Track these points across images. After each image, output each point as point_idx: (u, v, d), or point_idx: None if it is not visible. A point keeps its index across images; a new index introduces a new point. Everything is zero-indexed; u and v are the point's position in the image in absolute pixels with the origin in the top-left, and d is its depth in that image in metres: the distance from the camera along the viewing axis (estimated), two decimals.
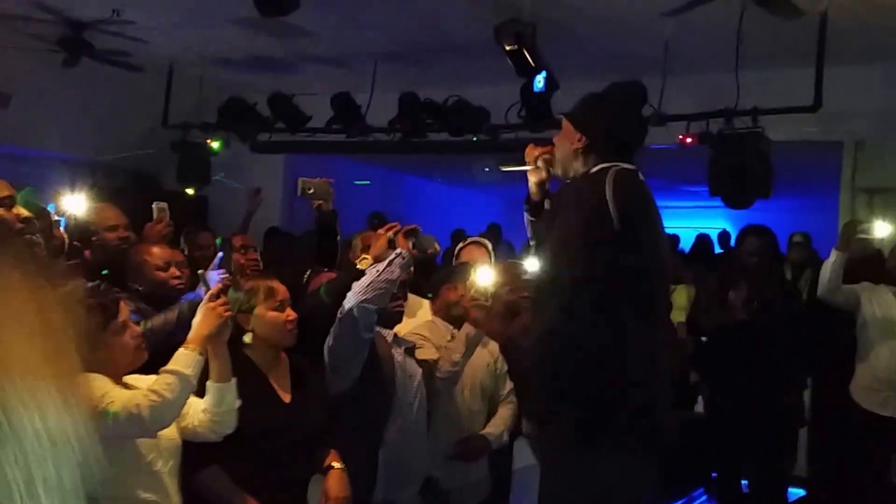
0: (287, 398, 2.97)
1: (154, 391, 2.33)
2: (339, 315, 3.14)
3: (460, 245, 4.43)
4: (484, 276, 3.80)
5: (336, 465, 2.97)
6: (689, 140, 5.92)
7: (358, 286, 3.13)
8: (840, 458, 5.26)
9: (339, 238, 4.21)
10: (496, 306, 4.06)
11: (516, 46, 5.90)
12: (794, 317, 4.97)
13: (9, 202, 2.88)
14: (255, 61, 7.59)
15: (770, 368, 4.82)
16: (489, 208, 12.11)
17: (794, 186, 6.60)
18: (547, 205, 3.01)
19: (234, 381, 2.60)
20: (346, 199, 4.34)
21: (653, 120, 5.95)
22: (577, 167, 2.82)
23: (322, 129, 7.33)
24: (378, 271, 3.14)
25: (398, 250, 3.21)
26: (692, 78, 6.34)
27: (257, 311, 2.95)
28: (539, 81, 6.09)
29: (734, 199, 5.69)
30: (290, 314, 2.98)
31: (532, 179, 3.02)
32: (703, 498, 5.97)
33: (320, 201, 4.07)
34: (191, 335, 2.49)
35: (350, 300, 3.12)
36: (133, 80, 7.50)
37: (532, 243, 3.15)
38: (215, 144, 7.89)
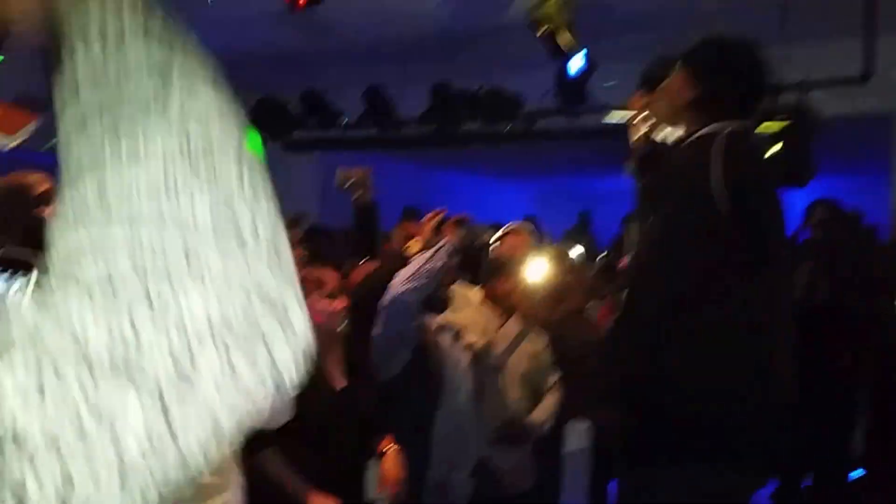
0: (341, 384, 2.97)
1: None
2: (384, 303, 3.15)
3: (500, 231, 4.33)
4: (537, 269, 3.78)
5: (392, 448, 3.02)
6: None
7: (403, 274, 3.15)
8: None
9: (378, 229, 4.16)
10: (540, 291, 4.02)
11: (550, 29, 5.79)
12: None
13: (49, 198, 2.80)
14: (285, 59, 7.54)
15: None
16: (522, 201, 11.99)
17: (845, 161, 6.39)
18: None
19: None
20: (380, 195, 4.27)
21: None
22: (684, 125, 2.36)
23: (354, 124, 7.26)
24: (424, 259, 3.15)
25: (447, 239, 3.22)
26: None
27: (308, 300, 2.88)
28: (576, 63, 5.98)
29: (784, 179, 5.50)
30: (340, 302, 2.98)
31: (634, 134, 2.62)
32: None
33: (360, 192, 4.02)
34: None
35: (395, 289, 3.13)
36: None
37: (635, 216, 2.70)
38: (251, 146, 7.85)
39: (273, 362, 0.55)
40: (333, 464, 2.82)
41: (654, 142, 2.53)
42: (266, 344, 0.55)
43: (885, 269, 4.91)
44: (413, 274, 3.12)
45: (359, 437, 2.95)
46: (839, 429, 4.86)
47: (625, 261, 4.71)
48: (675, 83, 2.36)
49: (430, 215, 3.42)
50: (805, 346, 4.62)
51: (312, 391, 2.78)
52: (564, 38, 5.83)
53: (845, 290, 4.66)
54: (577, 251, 4.45)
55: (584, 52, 5.79)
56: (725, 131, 2.20)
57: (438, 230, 3.35)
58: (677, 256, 2.21)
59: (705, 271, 2.18)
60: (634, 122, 2.58)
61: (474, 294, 3.83)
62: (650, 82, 2.57)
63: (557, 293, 4.31)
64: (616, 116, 2.83)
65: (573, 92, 6.33)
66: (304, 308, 0.59)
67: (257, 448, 2.67)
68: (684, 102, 2.32)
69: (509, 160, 10.47)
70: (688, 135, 2.31)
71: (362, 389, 3.00)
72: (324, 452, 2.81)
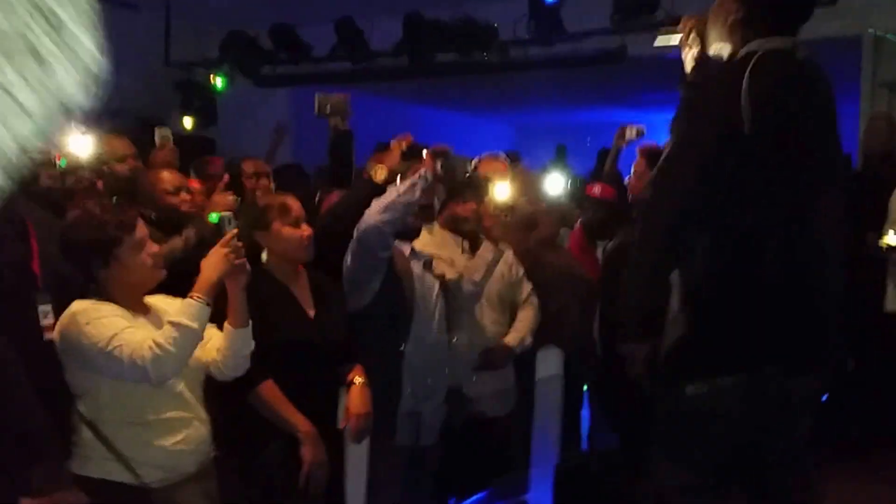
0: (311, 313, 2.96)
1: (158, 344, 2.24)
2: (356, 233, 3.09)
3: (477, 158, 4.32)
4: (502, 190, 3.73)
5: (358, 379, 2.96)
6: None
7: (377, 205, 3.07)
8: None
9: (352, 159, 4.14)
10: (513, 217, 4.01)
11: None
12: None
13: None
14: None
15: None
16: (502, 136, 11.95)
17: None
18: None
19: (249, 327, 2.53)
20: (355, 130, 4.21)
21: (665, 24, 5.76)
22: (730, 46, 2.35)
23: (326, 58, 7.18)
24: (399, 192, 3.06)
25: (422, 171, 3.11)
26: None
27: (273, 227, 2.92)
28: None
29: None
30: (306, 229, 2.95)
31: (687, 55, 2.56)
32: None
33: (336, 119, 3.99)
34: (199, 282, 2.36)
35: (368, 219, 3.06)
36: (129, 18, 7.33)
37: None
38: (219, 82, 7.75)
39: (47, 79, 0.52)
40: (308, 393, 2.83)
41: (703, 62, 2.51)
42: (37, 59, 0.52)
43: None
44: (388, 204, 3.04)
45: (331, 366, 2.94)
46: None
47: (594, 187, 4.75)
48: (723, 4, 2.36)
49: (395, 141, 3.33)
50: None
51: (286, 317, 2.81)
52: None
53: None
54: (553, 181, 4.44)
55: None
56: (762, 49, 2.21)
57: (406, 157, 3.27)
58: (696, 167, 2.23)
59: (726, 185, 2.21)
60: (686, 42, 2.54)
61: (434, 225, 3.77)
62: None
63: (530, 220, 4.33)
64: (665, 40, 2.74)
65: (547, 20, 6.26)
66: (94, 37, 0.56)
67: (254, 379, 2.69)
68: (732, 22, 2.32)
69: (487, 94, 10.38)
70: (733, 53, 2.32)
71: (331, 317, 2.98)
72: (299, 381, 2.81)
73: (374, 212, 3.06)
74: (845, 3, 5.23)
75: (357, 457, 3.09)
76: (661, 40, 2.77)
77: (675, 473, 2.43)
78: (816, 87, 2.34)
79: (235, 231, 2.47)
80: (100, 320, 2.28)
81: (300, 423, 2.77)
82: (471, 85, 8.89)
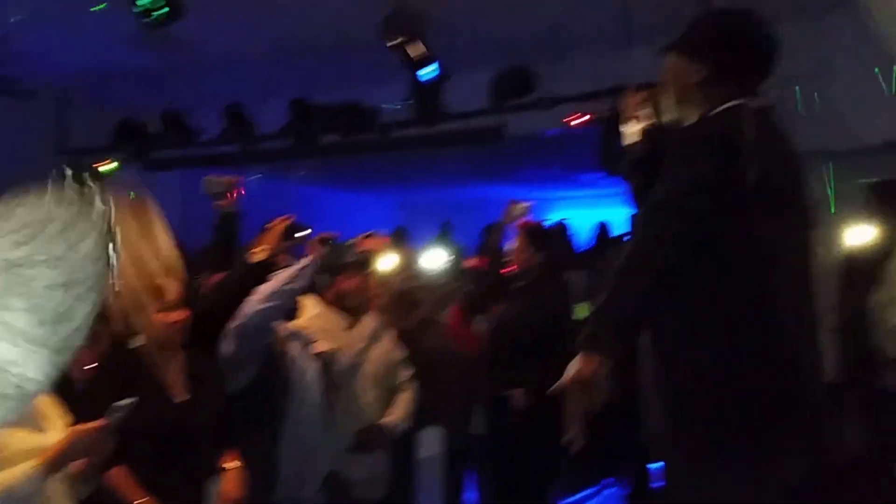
0: (181, 397, 2.89)
1: None
2: (239, 319, 3.06)
3: (359, 237, 4.38)
4: (386, 263, 3.80)
5: (231, 465, 2.91)
6: (578, 120, 6.05)
7: (262, 292, 3.05)
8: None
9: (237, 241, 4.13)
10: (394, 296, 4.07)
11: (403, 41, 5.93)
12: None
13: None
14: (144, 78, 7.44)
15: None
16: (391, 213, 12.10)
17: None
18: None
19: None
20: (243, 212, 4.22)
21: (541, 105, 6.07)
22: (695, 109, 2.21)
23: (214, 141, 7.24)
24: (286, 279, 3.06)
25: (310, 257, 3.13)
26: (581, 59, 6.47)
27: (146, 312, 2.86)
28: (428, 72, 6.13)
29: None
30: (181, 314, 2.89)
31: (627, 129, 2.40)
32: (612, 489, 6.03)
33: (225, 201, 4.00)
34: (45, 455, 2.21)
35: (252, 306, 3.03)
36: (22, 108, 7.33)
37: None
38: (108, 167, 7.73)
39: None
40: (177, 480, 2.76)
41: (655, 131, 2.38)
42: None
43: None
44: (274, 292, 3.03)
45: (201, 451, 2.87)
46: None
47: (471, 260, 4.89)
48: (678, 69, 2.25)
49: (275, 221, 3.32)
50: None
51: (149, 404, 2.70)
52: (417, 50, 6.00)
53: None
54: (433, 257, 4.54)
55: (435, 63, 5.96)
56: (753, 105, 2.12)
57: (287, 237, 3.27)
58: (682, 225, 2.09)
59: (713, 257, 2.08)
60: (631, 120, 2.41)
61: (317, 300, 3.79)
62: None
63: (411, 299, 4.39)
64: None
65: (428, 102, 6.48)
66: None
67: (106, 465, 2.56)
68: (694, 83, 2.21)
69: (374, 174, 10.58)
70: (705, 113, 2.20)
71: (204, 402, 2.92)
72: (166, 467, 2.75)
73: (259, 299, 3.03)
74: None
75: None
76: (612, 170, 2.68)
77: None
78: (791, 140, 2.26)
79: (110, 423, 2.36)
80: None
81: None
82: (358, 165, 9.06)
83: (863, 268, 4.26)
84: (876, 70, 5.14)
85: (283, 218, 3.35)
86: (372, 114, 6.70)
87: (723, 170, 2.04)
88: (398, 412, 3.79)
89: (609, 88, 5.83)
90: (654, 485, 5.47)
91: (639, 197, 2.35)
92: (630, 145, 2.40)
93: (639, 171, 2.37)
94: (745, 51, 2.21)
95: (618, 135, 2.45)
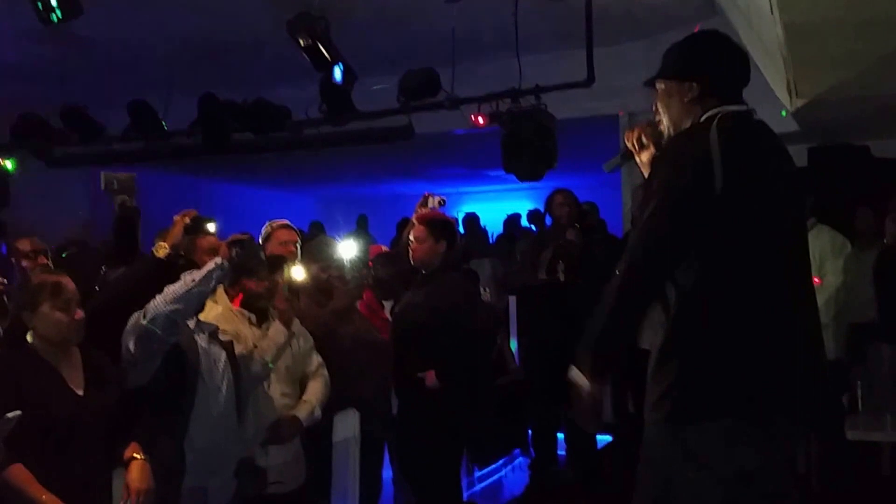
0: (80, 391, 2.90)
1: None
2: (142, 320, 3.04)
3: (268, 229, 4.38)
4: (299, 273, 3.81)
5: (137, 456, 2.91)
6: (481, 120, 6.24)
7: (169, 293, 3.04)
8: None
9: (138, 237, 4.17)
10: (308, 287, 4.13)
11: (311, 41, 6.02)
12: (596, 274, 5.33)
13: None
14: (45, 74, 7.32)
15: (576, 323, 5.16)
16: (308, 208, 12.16)
17: (580, 161, 7.07)
18: None
19: None
20: (154, 210, 4.19)
21: (446, 105, 6.24)
22: (691, 121, 2.46)
23: (119, 138, 7.17)
24: (194, 281, 3.05)
25: (217, 260, 3.11)
26: (480, 62, 6.68)
27: (42, 309, 2.86)
28: (337, 73, 6.23)
29: (526, 172, 6.06)
30: (77, 313, 2.90)
31: (643, 159, 2.65)
32: (520, 459, 6.31)
33: (124, 197, 4.00)
34: None
35: (158, 308, 3.02)
36: None
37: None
38: (8, 164, 7.56)
39: None
40: (78, 473, 2.77)
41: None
42: None
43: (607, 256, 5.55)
44: (182, 295, 3.02)
45: (102, 445, 2.88)
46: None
47: (379, 248, 5.00)
48: (671, 92, 2.48)
49: (177, 216, 3.33)
50: (549, 316, 5.15)
51: (48, 397, 2.76)
52: (324, 51, 6.10)
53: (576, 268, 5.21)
54: (347, 246, 4.57)
55: (341, 63, 6.07)
56: (721, 114, 2.35)
57: (189, 231, 3.30)
58: (665, 220, 2.29)
59: (696, 240, 2.28)
60: (636, 148, 2.66)
61: (223, 295, 3.74)
62: None
63: (324, 289, 4.45)
64: (613, 164, 2.86)
65: (338, 101, 6.57)
66: None
67: (2, 464, 2.60)
68: (689, 101, 2.44)
69: (290, 170, 10.62)
70: (692, 125, 2.44)
71: (101, 396, 2.93)
72: (67, 462, 2.75)
73: (166, 300, 3.02)
74: (603, 85, 5.88)
75: None
76: (609, 166, 2.94)
77: None
78: (775, 140, 2.47)
79: None
80: None
81: (45, 501, 2.66)
82: (275, 161, 9.09)
83: None
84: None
85: (185, 212, 3.35)
86: (282, 112, 6.75)
87: (699, 176, 2.26)
88: (309, 402, 3.82)
89: (507, 90, 6.09)
90: (560, 452, 5.77)
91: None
92: (626, 154, 2.72)
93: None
94: (731, 64, 2.49)
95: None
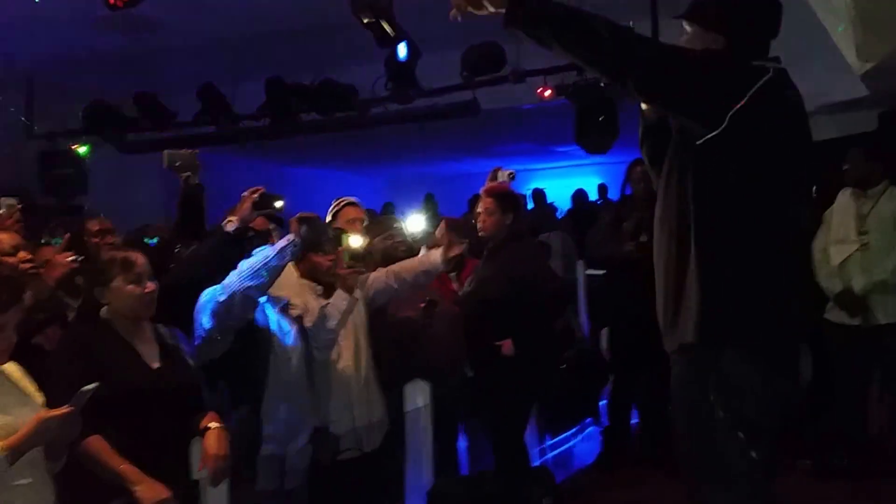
0: (154, 364, 2.96)
1: None
2: (219, 296, 3.11)
3: (336, 206, 4.43)
4: (356, 241, 3.86)
5: (214, 424, 2.97)
6: (547, 94, 6.16)
7: (244, 268, 3.11)
8: None
9: (204, 214, 4.21)
10: (374, 257, 4.17)
11: (374, 18, 6.00)
12: None
13: None
14: (117, 61, 7.49)
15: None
16: (377, 190, 12.22)
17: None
18: None
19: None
20: (227, 194, 4.24)
21: (511, 79, 6.17)
22: None
23: (191, 123, 7.30)
24: (268, 257, 3.12)
25: (290, 237, 3.18)
26: None
27: (114, 284, 2.93)
28: (401, 50, 6.21)
29: (593, 145, 5.96)
30: (149, 286, 2.95)
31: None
32: (591, 428, 6.27)
33: (187, 173, 4.06)
34: (11, 439, 2.36)
35: (234, 283, 3.09)
36: None
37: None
38: (82, 149, 7.78)
39: None
40: (154, 443, 2.81)
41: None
42: None
43: None
44: (256, 271, 3.08)
45: (178, 416, 2.92)
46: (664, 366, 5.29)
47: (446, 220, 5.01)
48: (698, 39, 2.39)
49: (246, 193, 3.39)
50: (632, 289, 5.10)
51: (125, 369, 2.82)
52: (388, 28, 6.07)
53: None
54: (414, 221, 4.58)
55: (405, 41, 6.05)
56: (769, 65, 2.28)
57: (258, 207, 3.36)
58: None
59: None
60: None
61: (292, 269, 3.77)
62: None
63: (386, 255, 4.48)
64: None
65: (403, 78, 6.57)
66: None
67: (82, 434, 2.63)
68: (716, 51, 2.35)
69: (359, 152, 10.66)
70: None
71: (177, 369, 2.99)
72: (144, 433, 2.80)
73: (241, 277, 3.09)
74: None
75: None
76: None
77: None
78: (798, 100, 2.39)
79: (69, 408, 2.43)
80: None
81: (124, 470, 2.71)
82: (343, 142, 9.14)
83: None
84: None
85: (253, 189, 3.42)
86: (349, 92, 6.77)
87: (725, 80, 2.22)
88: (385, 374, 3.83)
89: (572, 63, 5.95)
90: (632, 422, 5.71)
91: (653, 162, 2.58)
92: (643, 112, 2.63)
93: (651, 136, 2.59)
94: (763, 21, 2.37)
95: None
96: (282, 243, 3.15)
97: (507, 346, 4.48)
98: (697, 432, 2.32)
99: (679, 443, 2.40)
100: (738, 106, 2.19)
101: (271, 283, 3.19)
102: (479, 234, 4.64)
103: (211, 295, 3.16)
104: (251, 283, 3.08)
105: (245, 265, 3.12)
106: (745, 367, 2.25)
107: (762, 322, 2.28)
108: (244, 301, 3.11)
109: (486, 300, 4.47)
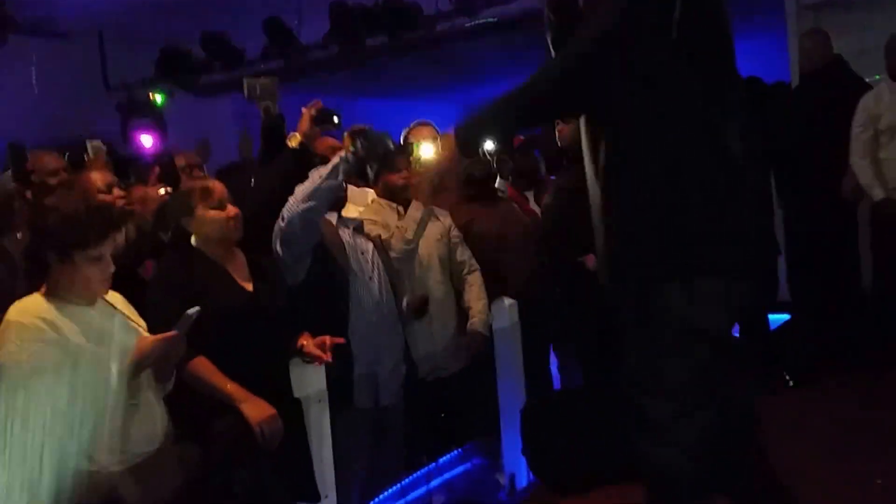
0: (249, 287, 3.00)
1: None
2: (281, 223, 3.12)
3: (408, 128, 4.37)
4: (427, 150, 3.78)
5: (309, 342, 3.02)
6: None
7: (300, 192, 3.10)
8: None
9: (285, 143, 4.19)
10: (448, 181, 4.09)
11: None
12: None
13: None
14: (181, 4, 7.46)
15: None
16: (448, 117, 11.99)
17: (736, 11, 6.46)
18: None
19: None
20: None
21: None
22: None
23: (259, 59, 7.26)
24: (321, 177, 3.09)
25: (342, 153, 3.13)
26: None
27: (198, 212, 2.96)
28: None
29: None
30: (231, 210, 2.97)
31: None
32: None
33: (266, 103, 4.03)
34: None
35: (293, 208, 3.09)
36: (64, 49, 7.42)
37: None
38: (158, 98, 7.84)
39: None
40: (255, 365, 2.85)
41: None
42: None
43: None
44: (311, 192, 3.07)
45: (276, 336, 2.97)
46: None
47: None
48: None
49: (305, 108, 3.38)
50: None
51: (221, 292, 2.85)
52: None
53: None
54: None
55: None
56: None
57: (317, 122, 3.35)
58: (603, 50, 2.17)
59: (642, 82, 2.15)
60: None
61: (370, 193, 3.84)
62: None
63: (469, 185, 4.42)
64: None
65: None
66: None
67: (186, 356, 2.69)
68: None
69: (430, 76, 10.45)
70: None
71: (270, 291, 3.02)
72: (243, 353, 2.84)
73: (297, 200, 3.09)
74: None
75: (319, 425, 3.13)
76: None
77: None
78: None
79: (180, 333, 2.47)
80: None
81: (231, 389, 2.77)
82: (413, 66, 8.97)
83: None
84: None
85: (312, 103, 3.41)
86: (413, 10, 6.59)
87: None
88: (478, 309, 3.90)
89: None
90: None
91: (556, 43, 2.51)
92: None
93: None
94: None
95: None
96: (334, 161, 3.11)
97: (590, 259, 4.23)
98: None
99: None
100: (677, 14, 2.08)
101: (329, 203, 3.18)
102: (559, 144, 4.47)
103: (277, 222, 3.17)
104: (307, 204, 3.07)
105: (300, 189, 3.11)
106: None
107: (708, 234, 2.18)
108: (305, 225, 3.11)
109: (566, 212, 4.30)
